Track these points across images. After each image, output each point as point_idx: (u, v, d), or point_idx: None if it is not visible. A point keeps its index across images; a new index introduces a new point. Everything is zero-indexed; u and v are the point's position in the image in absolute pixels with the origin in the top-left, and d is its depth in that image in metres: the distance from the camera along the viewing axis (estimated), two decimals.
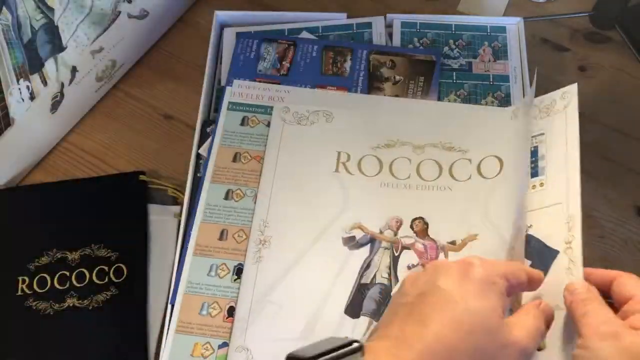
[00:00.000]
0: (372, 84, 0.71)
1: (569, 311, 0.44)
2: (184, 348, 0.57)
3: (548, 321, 0.44)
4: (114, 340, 0.60)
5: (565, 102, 0.59)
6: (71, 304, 0.62)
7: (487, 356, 0.40)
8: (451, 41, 0.74)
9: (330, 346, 0.39)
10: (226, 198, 0.64)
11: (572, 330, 0.45)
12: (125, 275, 0.63)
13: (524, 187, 0.53)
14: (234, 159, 0.66)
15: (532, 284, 0.46)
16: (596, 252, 0.66)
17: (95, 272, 0.63)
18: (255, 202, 0.63)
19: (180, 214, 0.66)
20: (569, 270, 0.48)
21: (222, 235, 0.62)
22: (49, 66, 0.65)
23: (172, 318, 0.58)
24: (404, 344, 0.39)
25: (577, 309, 0.43)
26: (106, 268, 0.63)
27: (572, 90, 0.59)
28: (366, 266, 0.60)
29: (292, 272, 0.59)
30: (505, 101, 0.70)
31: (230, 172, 0.65)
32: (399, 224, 0.62)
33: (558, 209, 0.52)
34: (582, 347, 0.41)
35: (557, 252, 0.50)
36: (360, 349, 0.39)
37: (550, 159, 0.58)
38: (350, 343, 0.39)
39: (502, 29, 0.75)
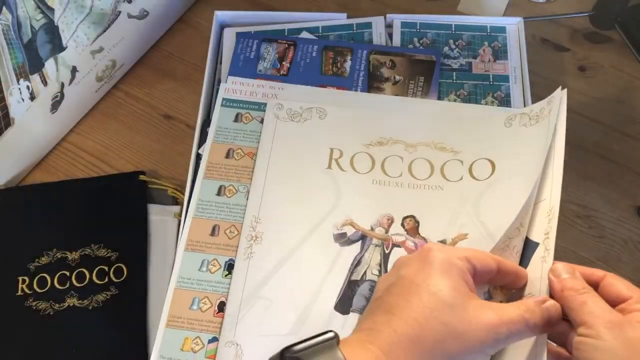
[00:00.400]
0: (372, 84, 0.71)
1: (561, 299, 0.44)
2: (174, 342, 0.57)
3: (550, 319, 0.43)
4: (114, 340, 0.60)
5: (552, 105, 0.60)
6: (71, 304, 0.62)
7: (454, 332, 0.40)
8: (451, 41, 0.74)
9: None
10: (218, 194, 0.64)
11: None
12: (125, 275, 0.63)
13: (531, 188, 0.53)
14: (227, 155, 0.66)
15: (505, 275, 0.46)
16: (596, 252, 0.66)
17: (95, 272, 0.63)
18: (247, 199, 0.63)
19: (180, 214, 0.66)
20: (543, 258, 0.48)
21: (214, 231, 0.62)
22: (49, 66, 0.65)
23: (163, 312, 0.59)
24: (374, 333, 0.41)
25: (574, 299, 0.43)
26: (106, 268, 0.63)
27: (558, 94, 0.59)
28: (357, 263, 0.60)
29: (283, 268, 0.59)
30: (505, 101, 0.70)
31: (223, 168, 0.65)
32: (390, 221, 0.62)
33: (543, 205, 0.52)
34: (587, 335, 0.40)
35: (537, 244, 0.50)
36: (335, 337, 0.40)
37: (539, 161, 0.58)
38: (325, 333, 0.41)
39: (502, 29, 0.75)
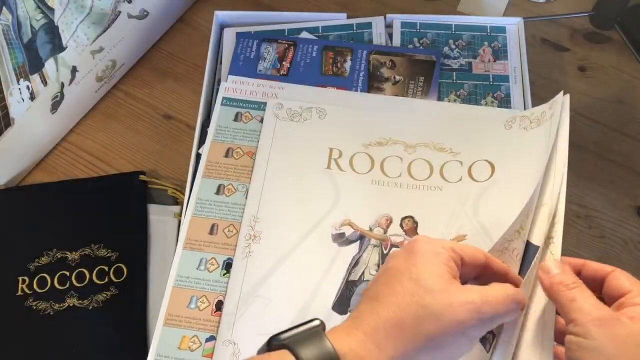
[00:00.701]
0: (372, 84, 0.71)
1: (550, 294, 0.44)
2: (172, 341, 0.57)
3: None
4: (114, 340, 0.60)
5: (553, 110, 0.59)
6: (71, 304, 0.62)
7: (434, 314, 0.41)
8: (451, 41, 0.74)
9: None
10: (217, 193, 0.64)
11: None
12: (125, 275, 0.63)
13: (531, 190, 0.53)
14: (226, 154, 0.66)
15: (494, 273, 0.47)
16: (596, 252, 0.66)
17: (95, 272, 0.63)
18: (246, 198, 0.63)
19: (180, 214, 0.66)
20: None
21: (213, 230, 0.62)
22: (49, 66, 0.65)
23: (161, 311, 0.59)
24: (359, 319, 0.42)
25: (563, 294, 0.43)
26: (106, 268, 0.63)
27: (560, 98, 0.59)
28: (355, 263, 0.60)
29: (281, 268, 0.60)
30: (505, 101, 0.70)
31: (222, 167, 0.65)
32: (389, 222, 0.62)
33: (544, 209, 0.52)
34: (577, 333, 0.40)
35: (538, 247, 0.50)
36: (320, 324, 0.42)
37: (539, 164, 0.57)
38: (311, 321, 0.42)
39: (502, 29, 0.75)
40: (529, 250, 0.51)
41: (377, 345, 0.40)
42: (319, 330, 0.41)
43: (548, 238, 0.49)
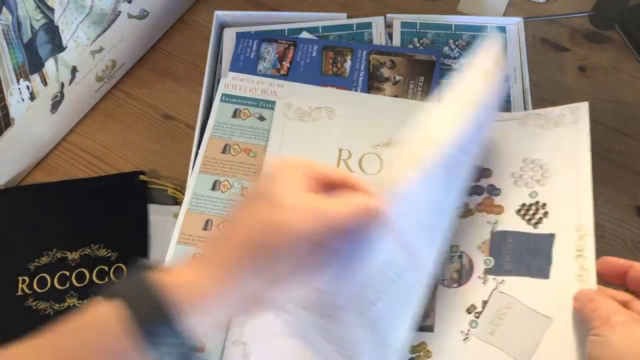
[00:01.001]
0: (372, 84, 0.71)
1: (580, 315, 0.47)
2: None
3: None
4: None
5: (575, 116, 0.60)
6: (71, 304, 0.62)
7: (282, 227, 0.39)
8: (451, 41, 0.74)
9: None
10: (213, 189, 0.64)
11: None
12: (125, 275, 0.63)
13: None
14: (224, 151, 0.66)
15: (349, 187, 0.44)
16: (596, 252, 0.65)
17: (95, 272, 0.63)
18: (241, 194, 0.63)
19: None
20: (580, 277, 0.49)
21: (207, 226, 0.62)
22: (49, 66, 0.65)
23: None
24: (210, 248, 0.42)
25: (587, 307, 0.45)
26: (106, 268, 0.63)
27: (583, 107, 0.60)
28: None
29: None
30: (505, 101, 0.70)
31: (219, 163, 0.65)
32: None
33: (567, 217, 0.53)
34: (595, 334, 0.43)
35: (553, 235, 0.51)
36: (145, 264, 0.41)
37: (559, 170, 0.58)
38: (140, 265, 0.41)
39: (502, 29, 0.75)
40: (541, 240, 0.52)
41: (225, 269, 0.39)
42: (143, 272, 0.40)
43: (577, 250, 0.50)
